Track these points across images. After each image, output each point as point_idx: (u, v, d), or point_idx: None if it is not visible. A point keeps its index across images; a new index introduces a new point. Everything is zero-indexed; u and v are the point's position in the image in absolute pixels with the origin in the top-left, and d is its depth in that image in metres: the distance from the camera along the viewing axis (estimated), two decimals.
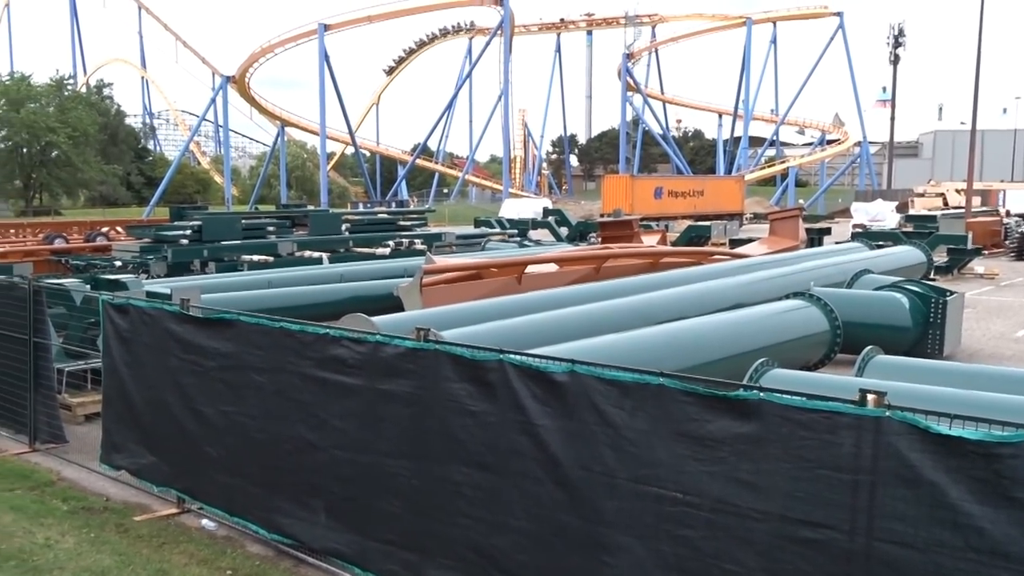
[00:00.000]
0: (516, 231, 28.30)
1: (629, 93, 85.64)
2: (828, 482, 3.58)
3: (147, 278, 15.09)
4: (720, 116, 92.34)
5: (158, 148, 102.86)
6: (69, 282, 10.23)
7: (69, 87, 68.78)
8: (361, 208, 52.15)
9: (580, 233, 30.90)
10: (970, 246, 24.13)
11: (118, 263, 18.52)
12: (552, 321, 8.48)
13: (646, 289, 10.92)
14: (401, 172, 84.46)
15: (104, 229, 27.62)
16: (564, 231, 32.03)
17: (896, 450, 3.44)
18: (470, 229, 31.16)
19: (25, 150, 61.89)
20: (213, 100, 78.00)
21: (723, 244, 28.78)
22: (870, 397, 3.54)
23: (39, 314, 8.01)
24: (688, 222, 38.00)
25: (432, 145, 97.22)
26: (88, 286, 10.17)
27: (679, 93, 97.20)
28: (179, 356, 6.27)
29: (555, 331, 8.01)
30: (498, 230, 28.51)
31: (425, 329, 5.00)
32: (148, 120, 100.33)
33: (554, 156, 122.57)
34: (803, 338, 9.58)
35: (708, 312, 9.53)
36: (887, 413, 3.48)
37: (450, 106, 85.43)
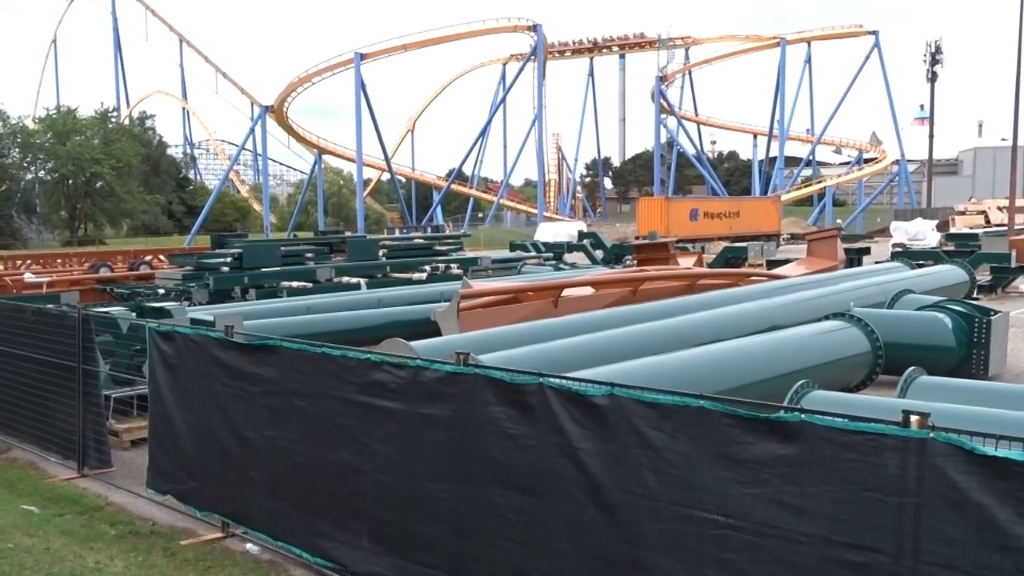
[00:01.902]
0: (551, 254, 28.35)
1: (663, 115, 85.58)
2: (873, 504, 3.55)
3: (190, 305, 15.35)
4: (755, 137, 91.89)
5: (199, 177, 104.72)
6: (115, 310, 10.43)
7: (113, 119, 70.40)
8: (397, 234, 52.61)
9: (615, 256, 30.86)
10: (1014, 264, 23.69)
11: (161, 291, 18.85)
12: (590, 344, 8.49)
13: (683, 311, 10.88)
14: (436, 197, 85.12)
15: (147, 258, 28.17)
16: (599, 254, 32.01)
17: (941, 472, 3.40)
18: (505, 253, 31.24)
19: (71, 181, 63.29)
20: (252, 130, 79.43)
21: (760, 265, 28.57)
22: (914, 418, 3.51)
23: (87, 342, 8.19)
24: (724, 243, 37.73)
25: (467, 170, 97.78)
26: (134, 314, 10.35)
27: (713, 114, 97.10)
28: (223, 382, 6.37)
29: (593, 354, 8.00)
30: (533, 254, 28.57)
31: (464, 353, 5.03)
32: (189, 150, 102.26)
33: (588, 179, 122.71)
34: (844, 359, 9.48)
35: (746, 334, 9.47)
36: (931, 434, 3.45)
37: (484, 131, 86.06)
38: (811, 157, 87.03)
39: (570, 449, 4.42)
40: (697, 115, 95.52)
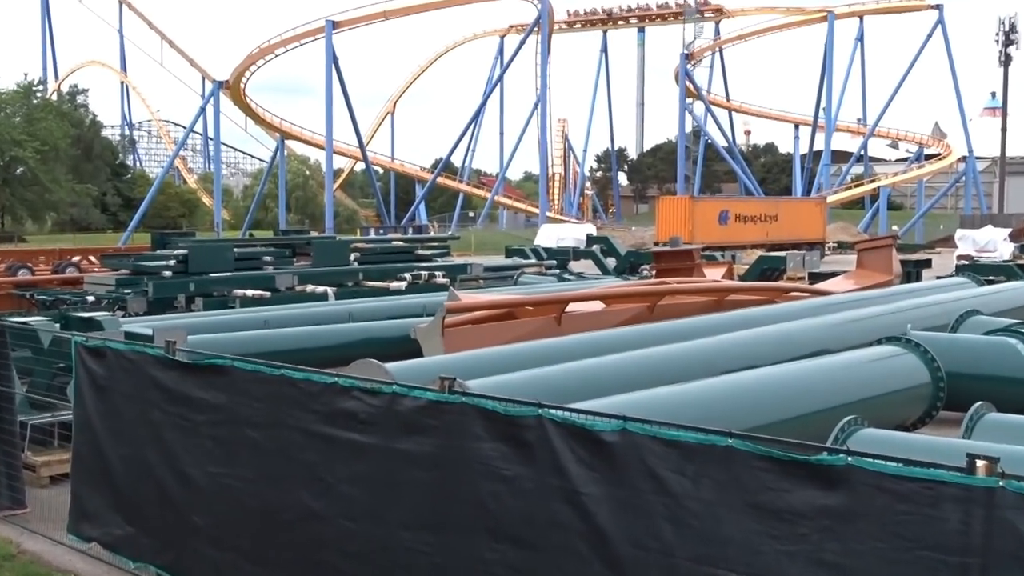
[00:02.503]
0: (555, 262, 28.39)
1: (688, 100, 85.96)
2: (930, 565, 3.54)
3: (124, 316, 15.31)
4: (797, 127, 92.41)
5: (138, 164, 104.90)
6: (35, 321, 10.41)
7: (38, 94, 70.39)
8: (373, 235, 52.64)
9: (630, 265, 30.89)
10: None
11: (91, 298, 18.84)
12: (599, 369, 8.49)
13: (710, 332, 10.90)
14: (420, 192, 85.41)
15: (75, 259, 28.13)
16: (611, 262, 32.06)
17: (1012, 527, 3.40)
18: (501, 260, 31.24)
19: None
20: (203, 109, 79.60)
21: (801, 279, 28.60)
22: (980, 463, 3.51)
23: (1, 358, 8.16)
24: (759, 252, 37.78)
25: (456, 161, 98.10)
26: (57, 325, 10.33)
27: (748, 99, 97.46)
28: (163, 408, 6.36)
29: (602, 381, 8.00)
30: (533, 261, 28.62)
31: (449, 378, 5.04)
32: (128, 132, 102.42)
33: (599, 174, 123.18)
34: (898, 392, 9.49)
35: (784, 360, 9.48)
36: (1001, 483, 3.45)
37: (477, 116, 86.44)
38: (862, 152, 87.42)
39: (573, 494, 4.41)
40: (728, 100, 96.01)
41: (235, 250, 20.76)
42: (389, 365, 8.31)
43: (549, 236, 51.05)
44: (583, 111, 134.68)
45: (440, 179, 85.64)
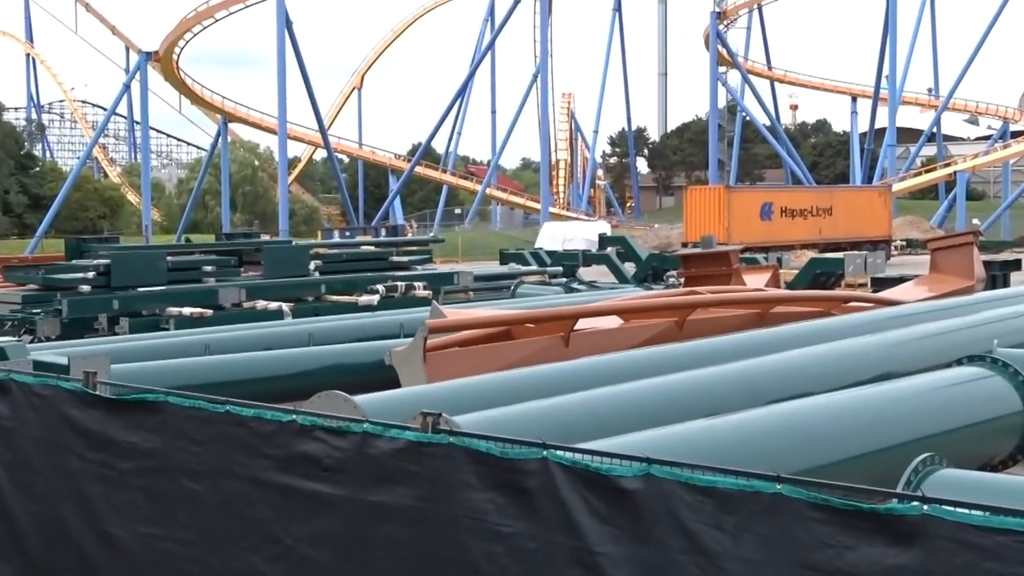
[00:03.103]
0: (560, 269, 28.40)
1: (721, 69, 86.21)
2: None
3: (33, 341, 15.26)
4: (854, 99, 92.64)
5: (49, 155, 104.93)
6: None
7: None
8: (337, 238, 52.57)
9: (653, 271, 30.87)
10: None
11: None
12: (617, 401, 8.48)
13: (751, 353, 10.88)
14: (394, 185, 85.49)
15: None
16: (630, 268, 32.06)
17: None
18: (494, 267, 31.20)
19: None
20: (127, 86, 79.67)
21: (862, 286, 28.60)
22: None
23: None
24: (810, 253, 37.79)
25: (438, 147, 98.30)
26: None
27: (794, 67, 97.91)
28: (82, 455, 6.35)
29: (621, 415, 7.99)
30: (534, 267, 28.61)
31: (433, 414, 5.05)
32: (35, 116, 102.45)
33: (614, 160, 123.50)
34: (984, 423, 9.48)
35: (842, 386, 9.47)
36: None
37: (463, 91, 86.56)
38: (935, 129, 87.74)
39: (587, 554, 4.41)
40: (770, 68, 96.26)
41: (168, 259, 20.71)
42: (358, 398, 8.30)
43: (553, 237, 51.09)
44: (593, 84, 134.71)
45: (419, 169, 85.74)
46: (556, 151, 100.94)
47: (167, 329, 17.55)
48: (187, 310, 18.41)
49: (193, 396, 5.98)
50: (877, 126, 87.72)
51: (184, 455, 5.85)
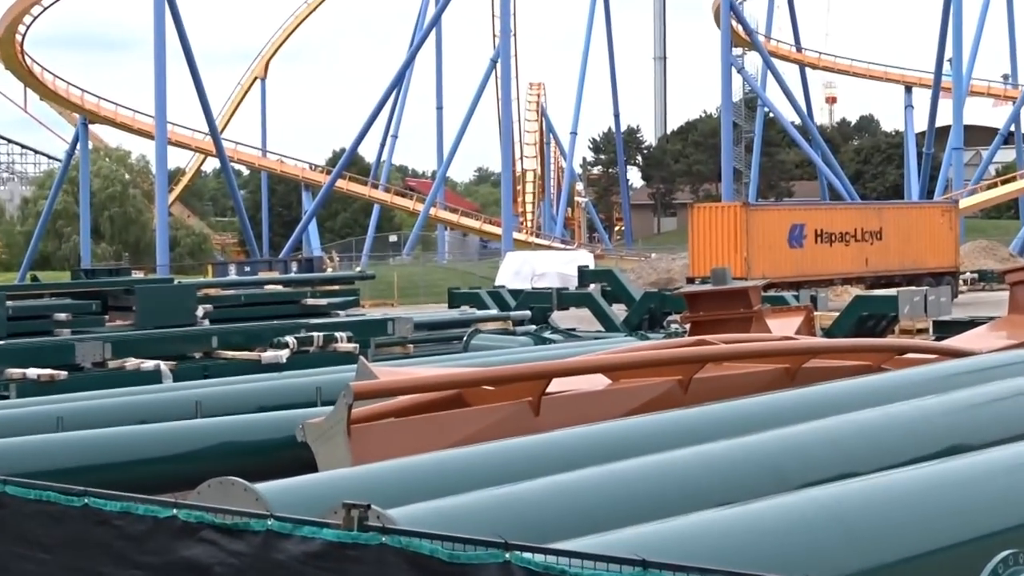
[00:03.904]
0: (528, 313, 28.38)
1: (736, 51, 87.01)
2: None
3: None
4: (909, 90, 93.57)
5: None
6: None
7: None
8: (234, 274, 52.37)
9: (649, 315, 30.97)
10: None
11: None
12: (601, 486, 8.46)
13: (778, 422, 10.91)
14: (309, 205, 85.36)
15: None
16: (619, 311, 32.13)
17: None
18: (441, 311, 31.15)
19: None
20: None
21: (922, 332, 28.79)
22: None
23: None
24: (855, 290, 37.96)
25: (367, 155, 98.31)
26: None
27: (830, 49, 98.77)
28: None
29: (608, 505, 7.98)
30: (494, 312, 28.59)
31: (360, 506, 5.03)
32: None
33: (598, 170, 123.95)
34: None
35: (897, 464, 9.51)
36: None
37: (400, 81, 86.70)
38: (1013, 127, 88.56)
39: None
40: (800, 51, 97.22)
41: (8, 304, 20.55)
42: (260, 486, 8.23)
43: (519, 272, 51.19)
44: (569, 72, 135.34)
45: (341, 183, 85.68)
46: (522, 159, 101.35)
47: (6, 397, 17.39)
48: (33, 371, 18.21)
49: (41, 486, 5.92)
50: (938, 124, 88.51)
51: (28, 565, 5.79)
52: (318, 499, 7.52)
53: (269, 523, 5.17)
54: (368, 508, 5.06)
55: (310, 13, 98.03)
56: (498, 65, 79.97)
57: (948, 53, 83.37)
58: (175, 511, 5.41)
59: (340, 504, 5.07)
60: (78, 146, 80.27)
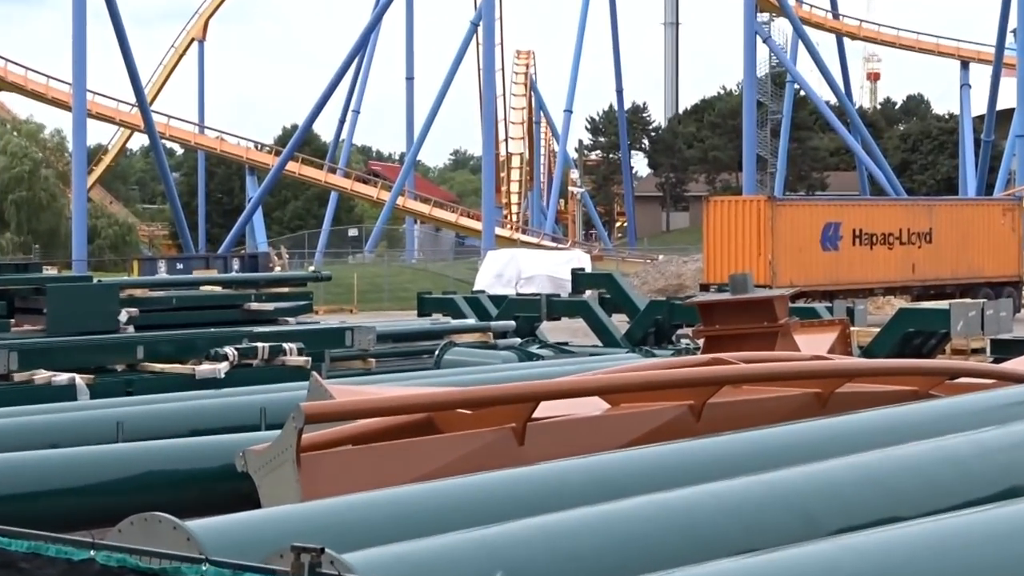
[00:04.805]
0: (512, 324, 28.41)
1: (762, 17, 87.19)
2: None
3: None
4: (966, 66, 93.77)
5: None
6: None
7: None
8: (164, 273, 52.30)
9: (656, 328, 30.99)
10: None
11: None
12: (597, 529, 8.46)
13: (809, 456, 10.92)
14: (254, 191, 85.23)
15: None
16: (620, 323, 32.16)
17: None
18: (409, 320, 31.16)
19: None
20: None
21: (978, 352, 28.88)
22: None
23: None
24: (899, 302, 38.00)
25: (323, 133, 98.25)
26: None
27: (872, 16, 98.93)
28: None
29: (605, 551, 8.00)
30: (471, 322, 28.62)
31: (311, 549, 5.03)
32: None
33: (596, 156, 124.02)
34: None
35: (949, 507, 9.53)
36: None
37: (363, 47, 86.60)
38: None
39: None
40: (837, 17, 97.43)
41: None
42: (193, 524, 8.23)
43: (502, 274, 51.35)
44: (564, 40, 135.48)
45: (292, 166, 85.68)
46: (507, 141, 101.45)
47: None
48: None
49: None
50: (999, 107, 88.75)
51: None
52: (261, 540, 7.51)
53: (203, 568, 5.17)
54: (321, 552, 5.06)
55: None
56: (480, 29, 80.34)
57: (1012, 23, 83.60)
58: (92, 552, 5.39)
59: (288, 547, 5.07)
60: None
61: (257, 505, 11.16)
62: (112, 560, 5.33)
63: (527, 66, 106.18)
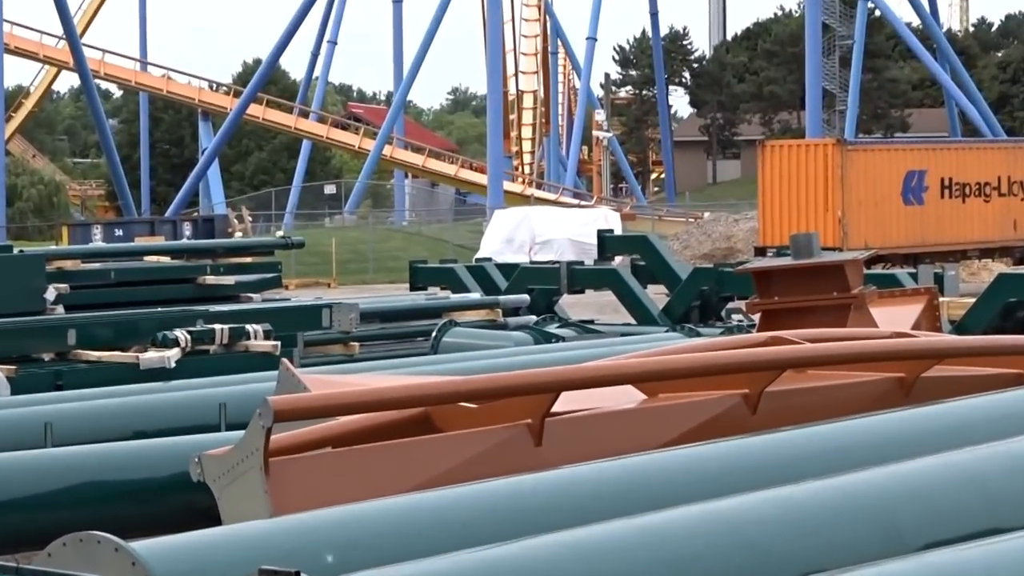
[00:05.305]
0: (526, 298, 28.43)
1: None
2: None
3: None
4: None
5: None
6: None
7: None
8: (100, 241, 52.28)
9: (701, 301, 31.04)
10: None
11: None
12: (629, 544, 8.44)
13: (891, 454, 10.91)
14: (208, 140, 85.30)
15: None
16: (656, 294, 32.18)
17: None
18: (400, 295, 31.19)
19: None
20: None
21: None
22: None
23: None
24: (999, 266, 37.96)
25: (292, 70, 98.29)
26: None
27: None
28: None
29: (637, 571, 7.99)
30: (475, 297, 28.64)
31: (283, 574, 5.00)
32: None
33: (627, 92, 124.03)
34: None
35: None
36: None
37: None
38: None
39: None
40: None
41: None
42: (139, 545, 8.23)
43: (513, 238, 51.43)
44: None
45: (255, 110, 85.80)
46: (517, 76, 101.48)
47: None
48: None
49: None
50: None
51: None
52: (222, 563, 7.50)
53: None
54: None
55: None
56: None
57: None
58: None
59: (255, 571, 5.05)
60: None
61: (217, 521, 11.16)
62: None
63: None
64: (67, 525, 8.87)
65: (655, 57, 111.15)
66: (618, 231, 44.13)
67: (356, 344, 22.58)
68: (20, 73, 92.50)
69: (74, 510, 11.43)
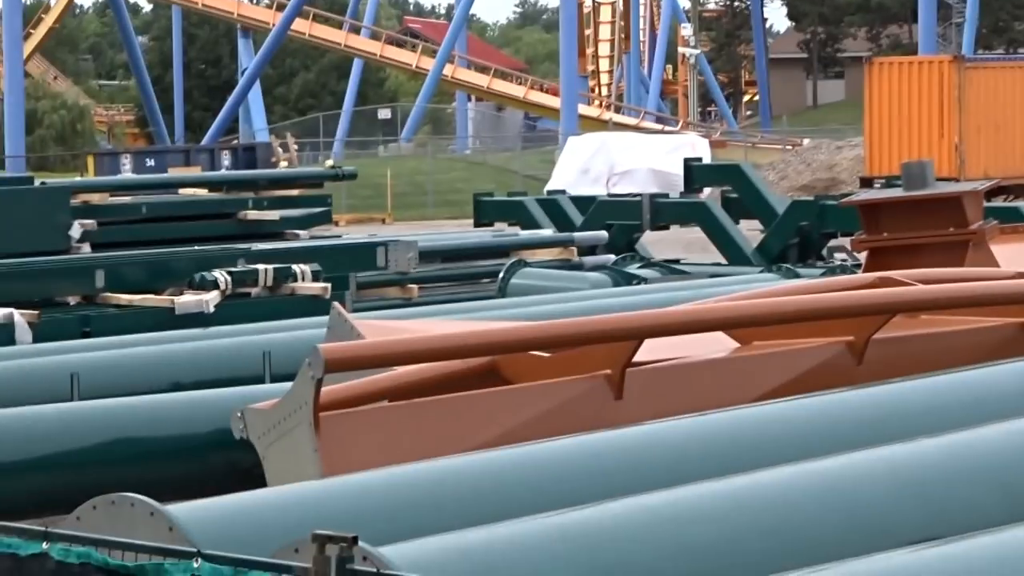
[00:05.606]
0: (604, 235, 28.43)
1: None
2: None
3: None
4: None
5: None
6: None
7: None
8: (130, 172, 52.47)
9: (801, 238, 30.98)
10: None
11: None
12: (721, 510, 8.46)
13: (1011, 411, 10.89)
14: (249, 60, 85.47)
15: None
16: (750, 230, 32.13)
17: None
18: (463, 231, 31.21)
19: None
20: None
21: None
22: None
23: None
24: None
25: None
26: None
27: None
28: None
29: (732, 540, 7.99)
30: (547, 234, 28.66)
31: (339, 538, 5.07)
32: None
33: (715, 4, 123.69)
34: None
35: None
36: None
37: None
38: None
39: None
40: None
41: None
42: (177, 508, 8.29)
43: (589, 169, 51.31)
44: None
45: (301, 25, 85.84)
46: None
47: None
48: None
49: None
50: None
51: None
52: (269, 528, 7.55)
53: (195, 564, 5.21)
54: (353, 543, 5.09)
55: None
56: None
57: None
58: (45, 545, 5.45)
59: (306, 536, 5.09)
60: None
61: (261, 483, 11.24)
62: (72, 555, 5.38)
63: None
64: (97, 486, 8.93)
65: None
66: (707, 160, 44.11)
67: (414, 286, 22.54)
68: None
69: (104, 469, 11.54)
